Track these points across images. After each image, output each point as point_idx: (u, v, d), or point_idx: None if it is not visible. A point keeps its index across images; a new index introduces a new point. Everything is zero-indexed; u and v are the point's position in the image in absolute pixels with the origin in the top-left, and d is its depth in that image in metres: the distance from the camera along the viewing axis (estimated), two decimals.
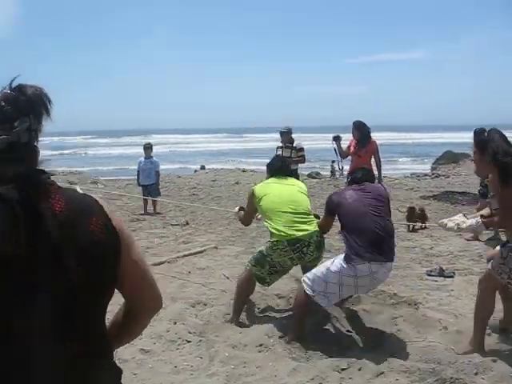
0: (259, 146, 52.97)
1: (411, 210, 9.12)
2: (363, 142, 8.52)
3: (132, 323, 1.61)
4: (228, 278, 5.74)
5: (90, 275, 1.28)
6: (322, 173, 21.17)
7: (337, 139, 8.86)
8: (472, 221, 4.07)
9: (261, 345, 4.09)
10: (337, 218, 4.42)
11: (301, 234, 4.43)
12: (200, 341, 4.20)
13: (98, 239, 1.30)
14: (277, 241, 4.46)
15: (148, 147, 11.93)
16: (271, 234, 4.54)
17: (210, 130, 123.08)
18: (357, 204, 4.20)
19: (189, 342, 4.20)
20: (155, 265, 6.54)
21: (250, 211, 5.04)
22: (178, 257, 6.98)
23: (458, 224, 4.10)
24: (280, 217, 4.50)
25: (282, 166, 5.10)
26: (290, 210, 4.52)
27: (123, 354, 3.95)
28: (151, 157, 11.91)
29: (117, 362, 3.62)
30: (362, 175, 4.60)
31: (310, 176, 18.95)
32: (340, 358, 3.89)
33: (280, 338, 4.22)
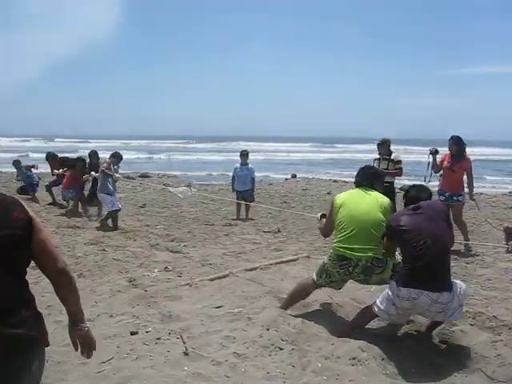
0: (351, 156, 52.46)
1: (509, 229, 8.64)
2: (458, 158, 8.44)
3: (56, 288, 2.37)
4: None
5: (12, 246, 2.07)
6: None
7: (435, 153, 8.67)
8: None
9: (354, 358, 4.01)
10: None
11: (350, 253, 4.60)
12: (292, 349, 4.18)
13: (19, 223, 2.10)
14: (332, 252, 4.79)
15: (244, 154, 12.10)
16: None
17: (298, 138, 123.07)
18: (409, 231, 4.25)
19: (281, 349, 4.19)
20: (248, 270, 6.62)
21: (329, 221, 4.99)
22: (270, 264, 7.02)
23: None
24: (342, 230, 4.68)
25: (366, 175, 5.04)
26: (355, 226, 4.61)
27: (217, 357, 4.03)
28: (247, 163, 12.07)
29: (210, 363, 3.70)
30: (416, 193, 4.64)
31: (402, 189, 18.49)
32: (435, 379, 3.78)
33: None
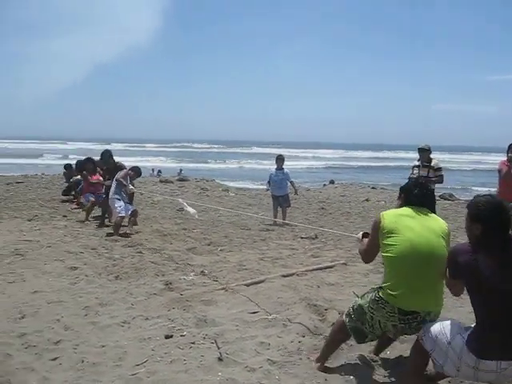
0: (393, 164, 52.15)
1: None
2: None
3: None
4: (358, 296, 5.60)
5: None
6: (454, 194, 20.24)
7: None
8: None
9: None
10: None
11: (420, 307, 3.53)
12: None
13: None
14: (386, 302, 3.58)
15: (280, 158, 12.06)
16: (382, 288, 3.63)
17: (343, 145, 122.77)
18: (496, 284, 3.04)
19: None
20: (284, 276, 6.56)
21: (373, 246, 3.83)
22: (307, 270, 6.94)
23: None
24: (404, 276, 3.54)
25: (420, 194, 3.79)
26: (421, 271, 3.49)
27: (251, 363, 4.00)
28: (282, 168, 12.02)
29: (244, 369, 3.67)
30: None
31: (442, 197, 18.19)
32: None
33: None
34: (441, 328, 3.33)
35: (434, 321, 3.50)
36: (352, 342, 4.20)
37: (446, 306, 3.85)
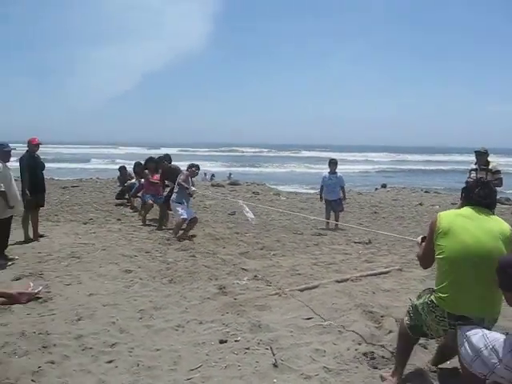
0: (446, 167, 51.11)
1: None
2: None
3: None
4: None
5: None
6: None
7: None
8: None
9: None
10: None
11: (470, 312, 3.30)
12: (385, 365, 4.01)
13: None
14: (436, 305, 3.44)
15: (333, 162, 11.93)
16: (434, 291, 3.52)
17: (394, 148, 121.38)
18: None
19: (375, 367, 4.03)
20: (338, 282, 6.45)
21: (429, 250, 3.58)
22: (361, 276, 6.81)
23: None
24: (454, 278, 3.34)
25: (483, 194, 3.54)
26: (472, 275, 3.27)
27: (307, 370, 3.94)
28: (335, 172, 11.88)
29: (299, 377, 3.61)
30: None
31: (498, 202, 17.63)
32: None
33: None
34: (486, 342, 3.06)
35: (487, 329, 3.24)
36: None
37: (506, 315, 3.68)
